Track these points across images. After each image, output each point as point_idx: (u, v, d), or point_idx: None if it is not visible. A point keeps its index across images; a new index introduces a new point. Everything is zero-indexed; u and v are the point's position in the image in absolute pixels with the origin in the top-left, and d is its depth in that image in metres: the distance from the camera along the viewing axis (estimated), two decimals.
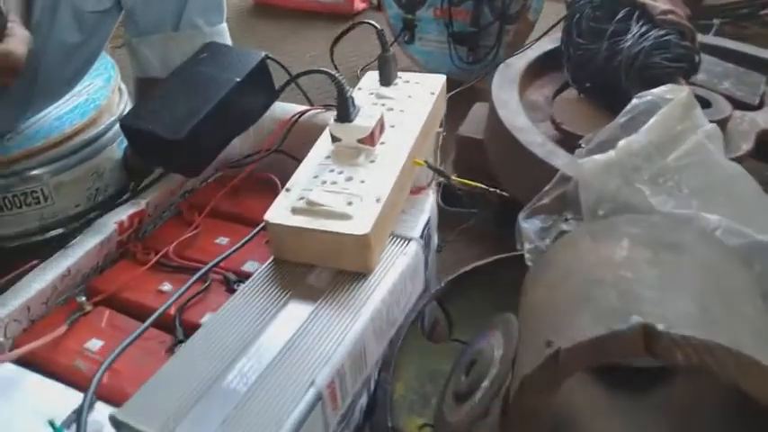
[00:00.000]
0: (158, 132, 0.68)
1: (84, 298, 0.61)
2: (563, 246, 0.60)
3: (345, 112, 0.59)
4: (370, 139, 0.59)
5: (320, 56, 1.74)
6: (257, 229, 0.66)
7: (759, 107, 1.01)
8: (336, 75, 0.57)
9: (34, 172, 0.94)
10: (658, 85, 0.87)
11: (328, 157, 0.60)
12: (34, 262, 0.69)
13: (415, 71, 1.58)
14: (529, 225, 0.76)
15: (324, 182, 0.56)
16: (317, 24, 1.91)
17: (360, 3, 1.94)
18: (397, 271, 0.54)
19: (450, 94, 1.12)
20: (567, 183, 0.75)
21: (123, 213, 0.68)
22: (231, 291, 0.64)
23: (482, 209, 0.97)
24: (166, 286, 0.64)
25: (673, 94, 0.69)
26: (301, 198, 0.54)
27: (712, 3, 1.91)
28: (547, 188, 0.76)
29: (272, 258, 0.56)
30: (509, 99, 0.94)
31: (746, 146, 0.91)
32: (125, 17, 0.93)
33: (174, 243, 0.68)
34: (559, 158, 0.82)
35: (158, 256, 0.67)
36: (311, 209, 0.53)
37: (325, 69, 0.58)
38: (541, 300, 0.56)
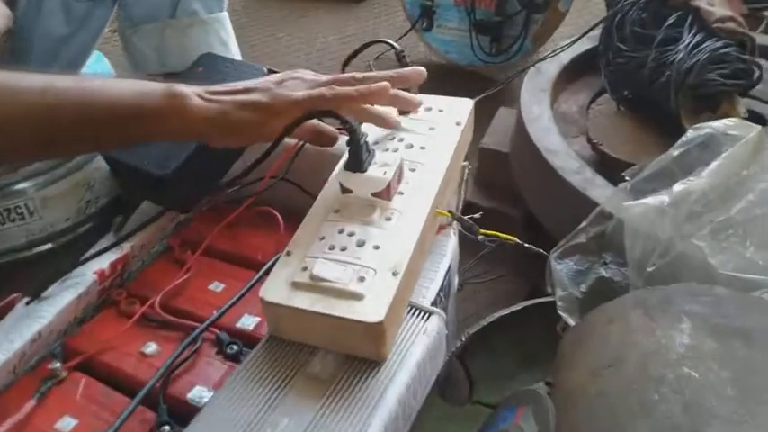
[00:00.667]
0: (144, 167, 0.60)
1: (57, 364, 0.54)
2: (609, 317, 0.51)
3: (358, 160, 0.50)
4: (387, 193, 0.50)
5: (330, 43, 1.63)
6: (255, 278, 0.58)
7: None
8: (348, 119, 0.48)
9: (17, 186, 0.87)
10: (712, 105, 0.77)
11: (337, 211, 0.51)
12: (15, 296, 0.63)
13: (432, 61, 1.49)
14: (562, 267, 0.67)
15: (332, 247, 0.48)
16: (325, 6, 1.79)
17: None
18: (415, 358, 0.46)
19: (481, 96, 1.02)
20: (606, 220, 0.66)
21: (104, 261, 0.60)
22: (223, 353, 0.56)
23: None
24: (151, 347, 0.56)
25: (739, 130, 0.59)
26: (304, 269, 0.46)
27: None
28: (583, 224, 0.67)
29: (268, 335, 0.48)
30: (540, 113, 0.84)
31: None
32: (118, 8, 0.86)
33: (162, 293, 0.60)
34: (598, 189, 0.72)
35: (143, 309, 0.59)
36: (316, 284, 0.45)
37: (335, 113, 0.49)
38: (584, 389, 0.48)
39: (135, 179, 0.64)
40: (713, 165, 0.57)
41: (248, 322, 0.59)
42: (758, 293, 0.52)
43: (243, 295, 0.57)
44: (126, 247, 0.62)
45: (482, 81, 1.17)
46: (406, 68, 0.57)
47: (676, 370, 0.43)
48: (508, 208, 0.93)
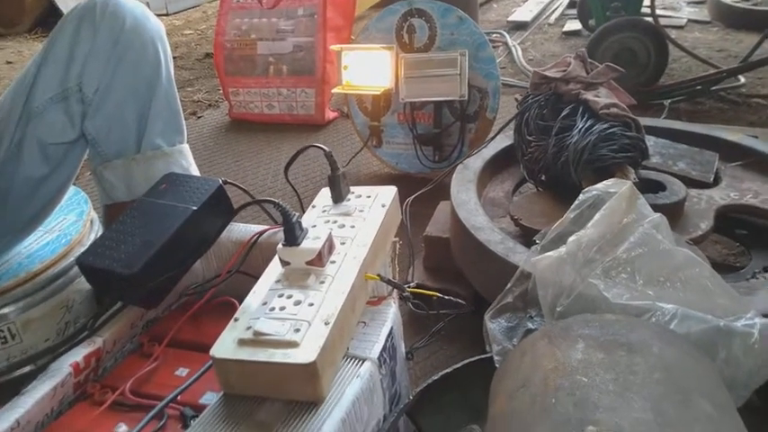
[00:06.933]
0: (112, 268, 0.69)
1: None
2: (521, 352, 0.59)
3: (292, 235, 0.60)
4: (319, 260, 0.59)
5: (294, 165, 1.79)
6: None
7: (715, 184, 1.04)
8: (280, 202, 0.59)
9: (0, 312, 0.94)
10: (608, 176, 0.90)
11: (279, 281, 0.60)
12: None
13: (386, 171, 1.64)
14: (495, 326, 0.75)
15: (272, 308, 0.56)
16: (289, 135, 1.98)
17: (330, 113, 2.02)
18: (349, 398, 0.53)
19: (416, 194, 1.15)
20: (527, 279, 0.75)
21: (78, 354, 0.67)
22: (187, 427, 0.61)
23: (455, 309, 0.97)
24: (122, 428, 0.62)
25: (616, 187, 0.70)
26: (248, 328, 0.54)
27: (665, 82, 2.00)
28: (509, 286, 0.76)
29: (222, 393, 0.55)
30: (468, 199, 0.96)
31: (705, 224, 0.92)
32: (90, 148, 0.95)
33: (131, 380, 0.66)
34: (519, 255, 0.82)
35: (114, 396, 0.65)
36: (257, 339, 0.52)
37: (270, 198, 0.60)
38: (503, 411, 0.54)
39: (105, 280, 0.72)
40: (596, 216, 0.68)
41: (211, 398, 0.65)
42: (647, 317, 0.61)
43: (203, 373, 0.64)
44: (98, 341, 0.69)
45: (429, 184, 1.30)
46: None
47: (570, 378, 0.51)
48: (456, 287, 1.02)
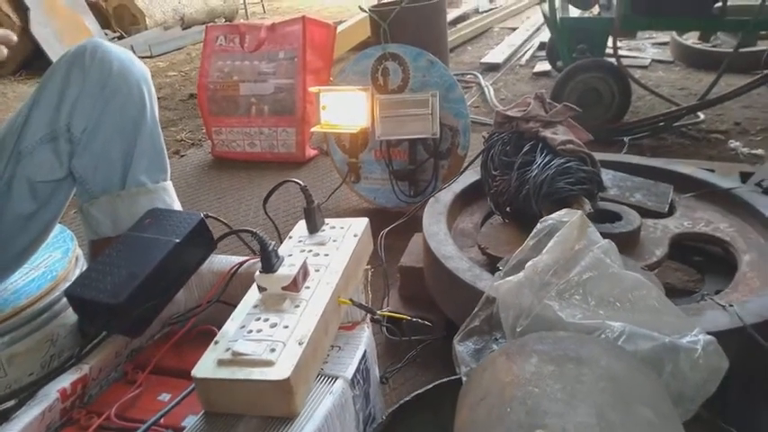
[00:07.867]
0: (99, 299, 0.72)
1: None
2: (483, 368, 0.64)
3: (268, 263, 0.64)
4: (294, 286, 0.64)
5: (272, 201, 1.84)
6: (193, 385, 0.68)
7: (669, 214, 1.11)
8: (257, 231, 0.64)
9: None
10: (566, 207, 0.96)
11: (256, 306, 0.64)
12: None
13: (364, 206, 1.70)
14: (463, 348, 0.80)
15: (250, 331, 0.60)
16: (271, 172, 2.03)
17: (311, 151, 2.09)
18: (321, 413, 0.57)
19: (391, 226, 1.21)
20: (492, 304, 0.80)
21: (66, 380, 0.70)
22: None
23: (426, 334, 1.01)
24: None
25: (568, 216, 0.77)
26: (227, 350, 0.58)
27: (630, 119, 2.11)
28: (476, 310, 0.81)
29: (202, 412, 0.58)
30: (438, 230, 1.01)
31: (660, 251, 0.99)
32: (77, 186, 0.99)
33: (116, 405, 0.69)
34: (485, 281, 0.87)
35: (99, 420, 0.68)
36: (236, 359, 0.57)
37: (248, 228, 0.65)
38: (464, 422, 0.59)
39: (91, 310, 0.75)
40: (550, 243, 0.74)
41: (192, 421, 0.68)
42: (596, 334, 0.66)
43: (185, 397, 0.67)
44: (85, 368, 0.73)
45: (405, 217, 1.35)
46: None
47: (524, 389, 0.55)
48: (429, 314, 1.06)
